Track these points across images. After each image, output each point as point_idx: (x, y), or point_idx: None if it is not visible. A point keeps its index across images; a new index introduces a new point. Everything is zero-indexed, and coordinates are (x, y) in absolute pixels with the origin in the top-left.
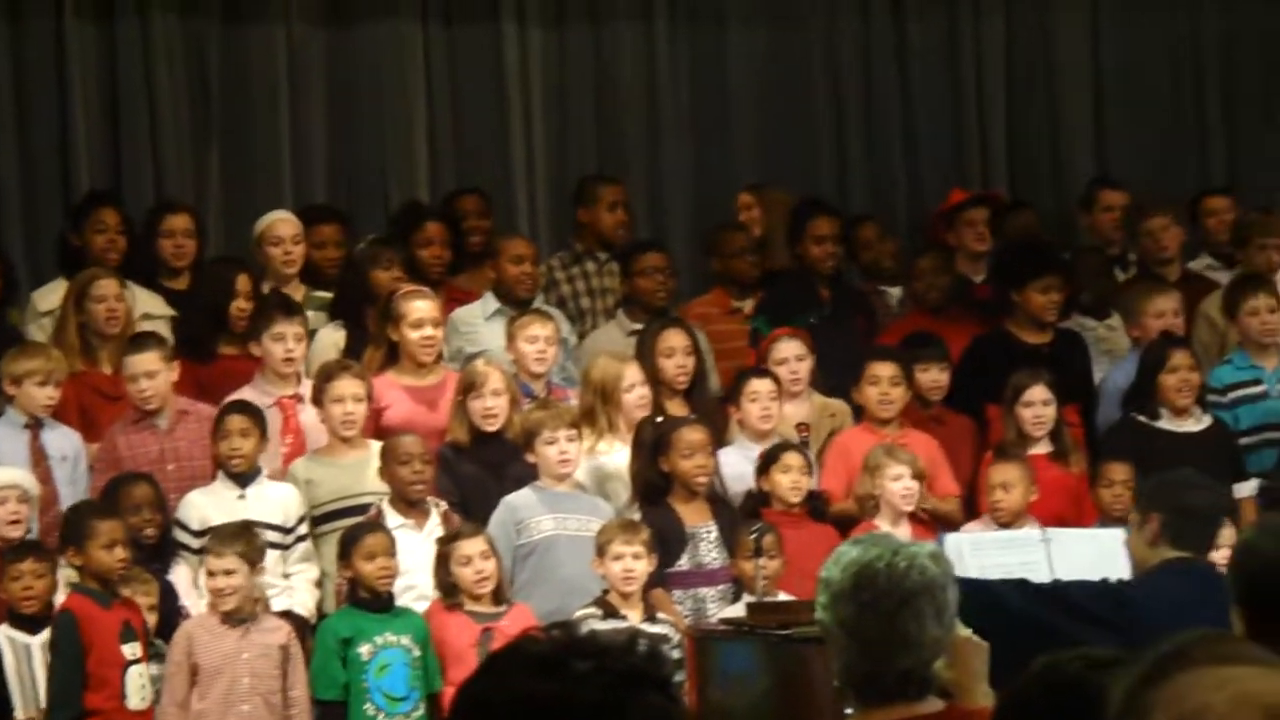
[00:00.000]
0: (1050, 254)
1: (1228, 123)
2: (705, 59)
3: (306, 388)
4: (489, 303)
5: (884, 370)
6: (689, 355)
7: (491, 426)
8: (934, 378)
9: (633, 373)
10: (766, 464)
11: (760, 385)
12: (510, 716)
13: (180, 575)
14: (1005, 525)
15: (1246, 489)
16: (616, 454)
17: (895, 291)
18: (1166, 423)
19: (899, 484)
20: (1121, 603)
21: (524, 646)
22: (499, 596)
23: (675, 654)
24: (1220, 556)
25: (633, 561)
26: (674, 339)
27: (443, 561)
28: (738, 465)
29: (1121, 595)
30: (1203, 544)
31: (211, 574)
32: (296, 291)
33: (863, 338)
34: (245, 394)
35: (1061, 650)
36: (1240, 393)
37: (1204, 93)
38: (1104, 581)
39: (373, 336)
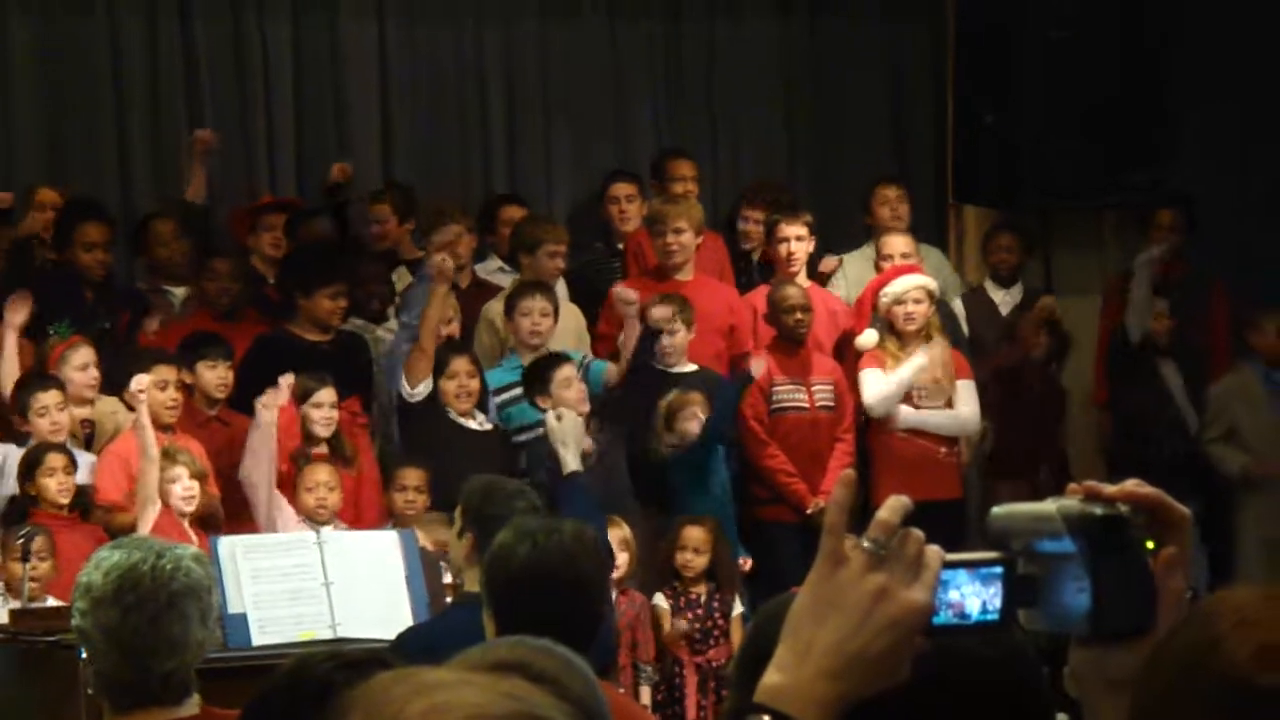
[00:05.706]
0: (340, 261)
1: (510, 128)
2: None
3: None
4: None
5: (167, 374)
6: None
7: None
8: (221, 375)
9: None
10: (30, 467)
11: (48, 398)
12: None
13: None
14: (323, 524)
15: None
16: None
17: (180, 292)
18: (456, 417)
19: (178, 485)
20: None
21: None
22: None
23: None
24: None
25: None
26: None
27: None
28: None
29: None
30: None
31: None
32: None
33: (124, 334)
34: None
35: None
36: (510, 394)
37: (488, 99)
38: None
39: None
